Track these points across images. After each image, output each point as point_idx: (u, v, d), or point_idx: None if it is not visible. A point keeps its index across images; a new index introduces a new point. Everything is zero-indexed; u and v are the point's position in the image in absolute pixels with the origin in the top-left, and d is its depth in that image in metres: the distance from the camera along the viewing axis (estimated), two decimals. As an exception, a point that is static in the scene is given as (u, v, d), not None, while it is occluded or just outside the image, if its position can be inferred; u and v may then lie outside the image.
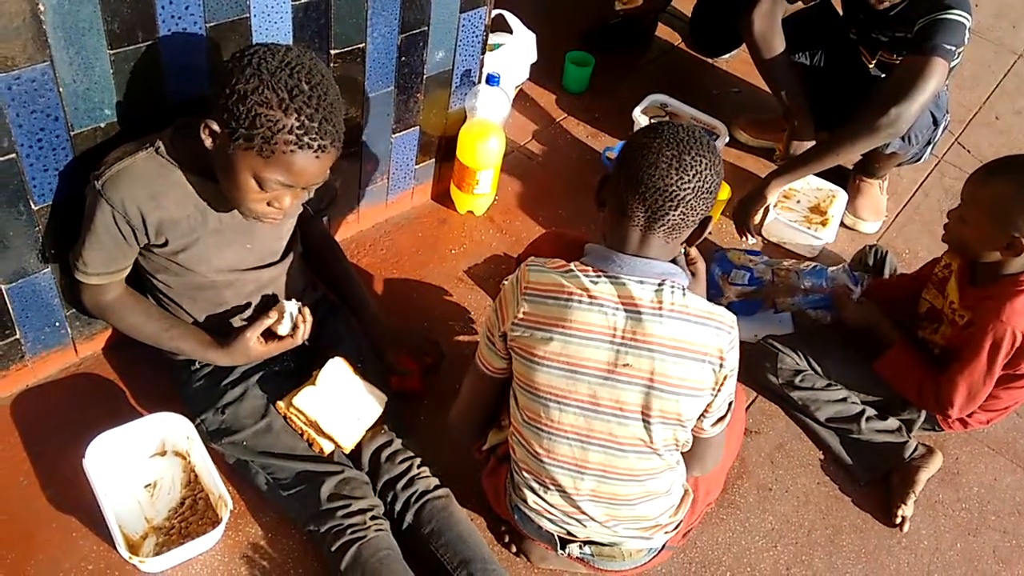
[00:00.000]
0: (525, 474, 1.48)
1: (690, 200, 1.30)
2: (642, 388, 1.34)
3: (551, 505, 1.48)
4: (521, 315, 1.35)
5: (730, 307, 2.15)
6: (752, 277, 2.17)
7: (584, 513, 1.46)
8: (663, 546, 1.57)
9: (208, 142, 1.39)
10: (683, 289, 1.34)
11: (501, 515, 1.66)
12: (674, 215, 1.31)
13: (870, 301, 2.05)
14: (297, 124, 1.33)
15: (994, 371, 1.77)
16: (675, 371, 1.33)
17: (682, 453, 1.48)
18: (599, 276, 1.33)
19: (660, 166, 1.29)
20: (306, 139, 1.34)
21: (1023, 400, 1.97)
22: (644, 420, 1.36)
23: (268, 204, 1.44)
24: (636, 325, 1.31)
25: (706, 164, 1.31)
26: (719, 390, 1.38)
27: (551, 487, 1.46)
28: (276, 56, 1.33)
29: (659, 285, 1.32)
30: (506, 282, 1.42)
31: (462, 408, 1.61)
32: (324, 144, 1.36)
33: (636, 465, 1.41)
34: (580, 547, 1.53)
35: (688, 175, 1.29)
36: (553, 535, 1.53)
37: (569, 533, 1.52)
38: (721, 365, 1.35)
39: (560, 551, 1.55)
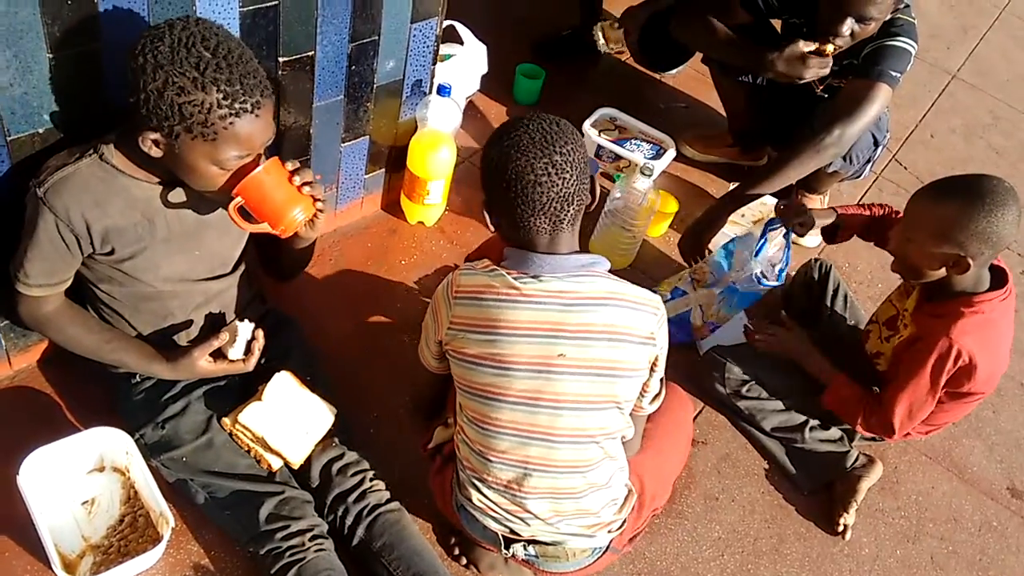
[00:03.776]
0: (469, 472, 1.50)
1: (577, 188, 1.36)
2: (580, 376, 1.37)
3: (494, 503, 1.49)
4: (453, 318, 1.39)
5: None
6: (677, 290, 2.20)
7: (528, 511, 1.48)
8: (607, 547, 1.58)
9: (154, 152, 1.36)
10: (607, 275, 1.40)
11: (447, 516, 1.66)
12: (572, 209, 1.37)
13: (798, 329, 2.07)
14: (221, 96, 1.29)
15: (936, 389, 1.80)
16: (612, 355, 1.38)
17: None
18: (522, 276, 1.37)
19: (543, 181, 1.33)
20: (236, 105, 1.31)
21: (962, 416, 2.03)
22: (581, 408, 1.40)
23: None
24: (572, 316, 1.36)
25: (572, 148, 1.35)
26: (653, 369, 1.44)
27: (494, 484, 1.47)
28: (164, 40, 1.28)
29: (582, 276, 1.37)
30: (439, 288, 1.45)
31: (417, 396, 1.79)
32: (256, 100, 1.33)
33: (575, 456, 1.43)
34: (524, 547, 1.54)
35: (568, 171, 1.34)
36: (497, 534, 1.53)
37: (512, 532, 1.52)
38: (653, 344, 1.41)
39: (504, 550, 1.55)
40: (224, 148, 1.35)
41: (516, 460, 1.43)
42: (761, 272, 2.06)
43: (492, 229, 1.46)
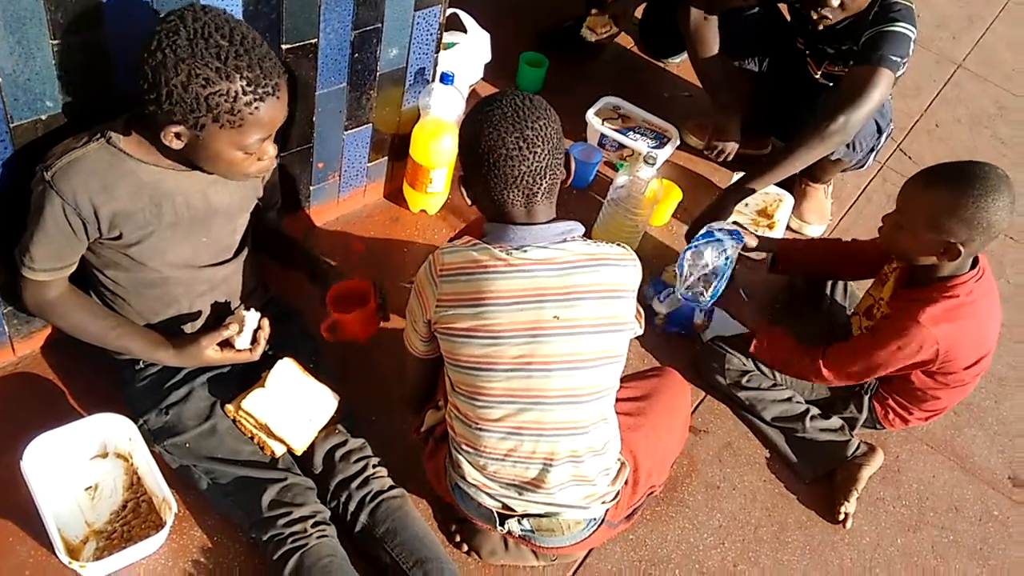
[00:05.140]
0: (465, 447, 1.50)
1: (550, 163, 1.39)
2: (571, 335, 1.40)
3: (489, 476, 1.50)
4: (441, 296, 1.41)
5: (667, 324, 2.19)
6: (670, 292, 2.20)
7: (526, 479, 1.48)
8: (602, 520, 1.58)
9: (175, 144, 1.37)
10: (584, 240, 1.44)
11: (443, 497, 1.67)
12: (544, 183, 1.40)
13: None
14: (245, 83, 1.32)
15: (890, 365, 1.84)
16: (605, 311, 1.41)
17: None
18: (506, 248, 1.39)
19: (514, 155, 1.36)
20: (260, 90, 1.34)
21: (959, 400, 2.03)
22: (571, 367, 1.42)
23: (259, 160, 1.45)
24: (557, 280, 1.38)
25: (544, 123, 1.38)
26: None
27: (492, 455, 1.47)
28: (180, 33, 1.29)
29: (564, 243, 1.40)
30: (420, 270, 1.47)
31: (407, 386, 1.73)
32: (276, 83, 1.36)
33: (569, 417, 1.45)
34: (519, 522, 1.54)
35: (539, 145, 1.37)
36: (492, 511, 1.54)
37: (505, 507, 1.53)
38: (632, 297, 1.47)
39: (499, 527, 1.55)
40: (249, 133, 1.37)
41: (512, 427, 1.44)
42: (688, 290, 2.08)
43: (469, 202, 1.48)
